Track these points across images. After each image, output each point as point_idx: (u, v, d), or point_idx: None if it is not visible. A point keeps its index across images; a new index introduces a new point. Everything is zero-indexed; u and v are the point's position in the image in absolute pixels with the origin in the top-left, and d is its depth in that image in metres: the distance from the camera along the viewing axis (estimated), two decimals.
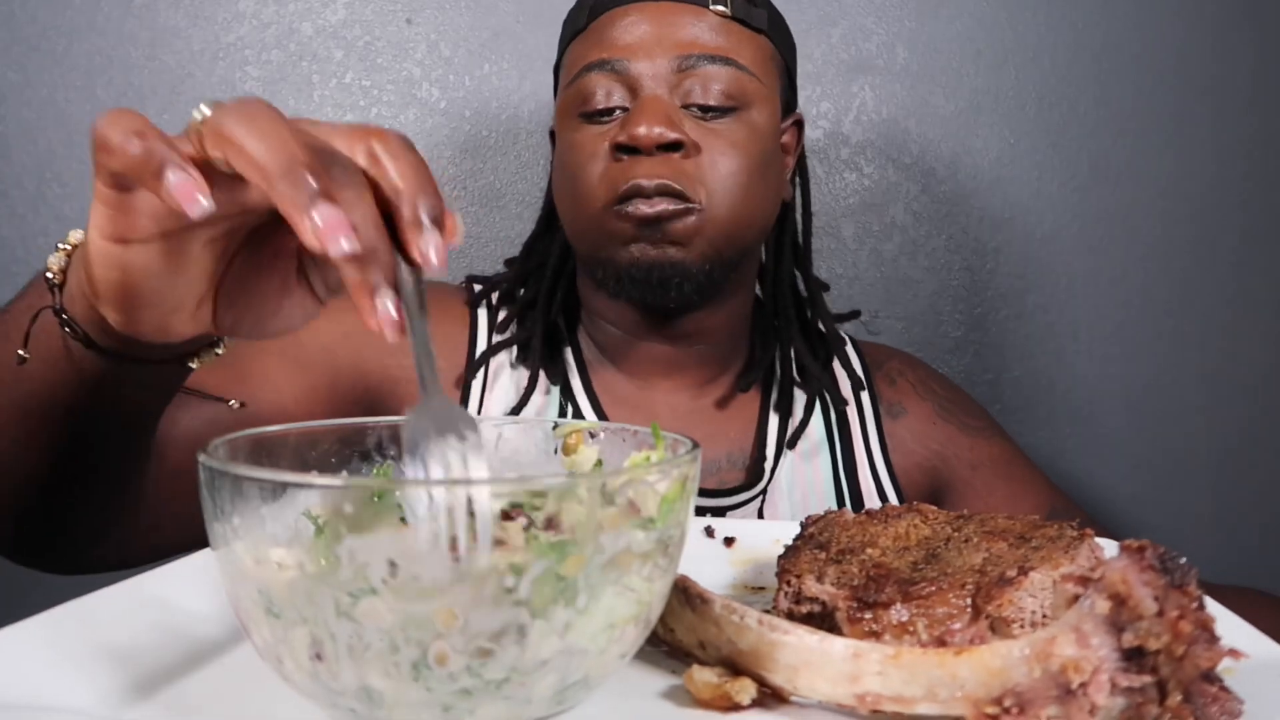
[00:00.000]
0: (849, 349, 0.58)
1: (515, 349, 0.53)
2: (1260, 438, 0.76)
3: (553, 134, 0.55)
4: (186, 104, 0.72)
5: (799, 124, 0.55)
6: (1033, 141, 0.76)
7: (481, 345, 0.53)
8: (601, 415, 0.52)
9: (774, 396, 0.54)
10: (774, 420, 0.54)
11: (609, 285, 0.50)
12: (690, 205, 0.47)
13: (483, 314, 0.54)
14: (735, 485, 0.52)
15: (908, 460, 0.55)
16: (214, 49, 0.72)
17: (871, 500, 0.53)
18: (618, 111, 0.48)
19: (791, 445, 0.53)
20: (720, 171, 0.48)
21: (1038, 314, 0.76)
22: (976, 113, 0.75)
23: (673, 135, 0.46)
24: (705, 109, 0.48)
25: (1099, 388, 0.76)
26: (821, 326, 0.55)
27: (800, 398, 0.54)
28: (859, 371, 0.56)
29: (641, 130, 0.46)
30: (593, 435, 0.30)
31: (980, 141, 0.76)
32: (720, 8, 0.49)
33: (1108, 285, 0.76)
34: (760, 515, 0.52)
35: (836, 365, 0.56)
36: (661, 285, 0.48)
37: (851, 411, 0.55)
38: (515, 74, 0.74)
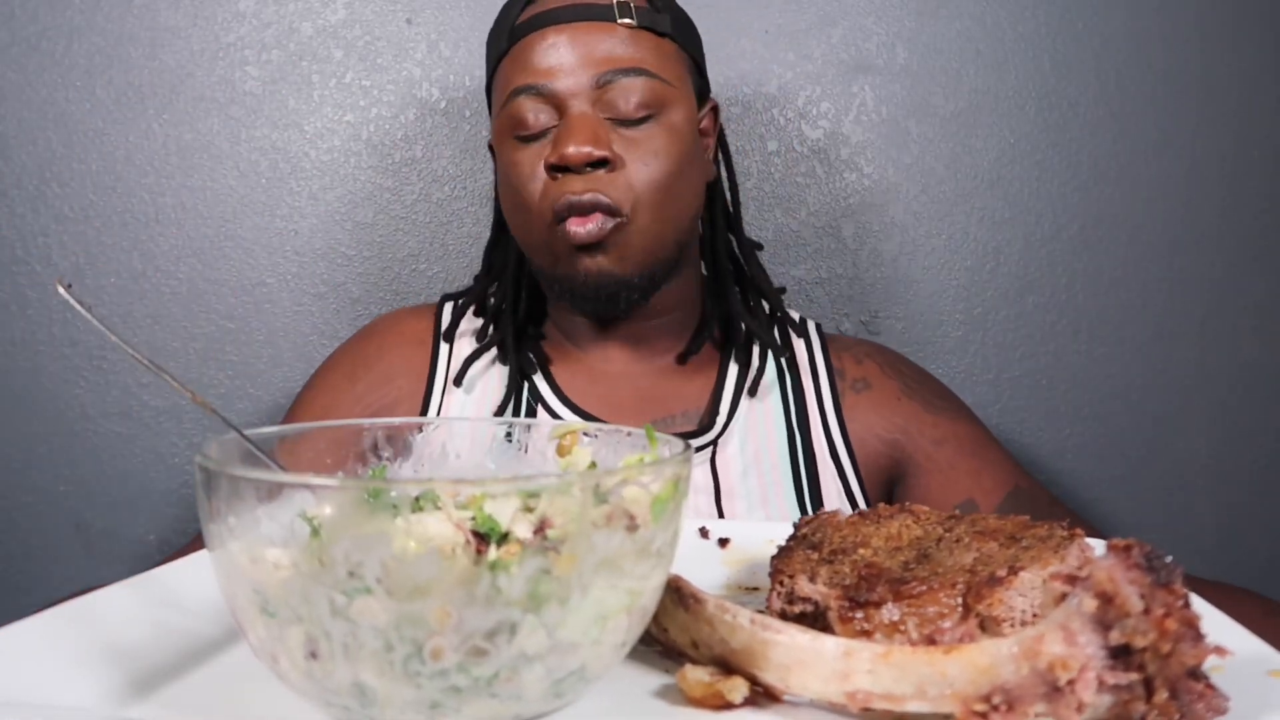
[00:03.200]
0: (810, 328, 0.60)
1: (494, 351, 0.57)
2: (1259, 438, 0.76)
3: (492, 148, 0.58)
4: (186, 104, 0.72)
5: (715, 108, 0.58)
6: (1033, 141, 0.76)
7: (442, 362, 0.58)
8: (562, 396, 0.56)
9: (733, 350, 0.58)
10: (733, 370, 0.57)
11: (564, 297, 0.54)
12: (620, 219, 0.51)
13: (444, 347, 0.59)
14: (688, 432, 0.54)
15: (869, 432, 0.57)
16: (214, 48, 0.72)
17: (824, 462, 0.55)
18: (548, 131, 0.52)
19: (752, 392, 0.56)
20: (643, 180, 0.51)
21: (1037, 314, 0.76)
22: (976, 113, 0.75)
23: (600, 153, 0.50)
24: (625, 120, 0.51)
25: (1099, 388, 0.76)
26: (760, 288, 0.59)
27: (756, 352, 0.58)
28: (814, 352, 0.59)
29: (570, 150, 0.50)
30: (587, 436, 0.30)
31: (980, 141, 0.76)
32: (627, 20, 0.52)
33: (1108, 285, 0.76)
34: (713, 464, 0.54)
35: (793, 337, 0.59)
36: (609, 300, 0.53)
37: (802, 358, 0.58)
38: None
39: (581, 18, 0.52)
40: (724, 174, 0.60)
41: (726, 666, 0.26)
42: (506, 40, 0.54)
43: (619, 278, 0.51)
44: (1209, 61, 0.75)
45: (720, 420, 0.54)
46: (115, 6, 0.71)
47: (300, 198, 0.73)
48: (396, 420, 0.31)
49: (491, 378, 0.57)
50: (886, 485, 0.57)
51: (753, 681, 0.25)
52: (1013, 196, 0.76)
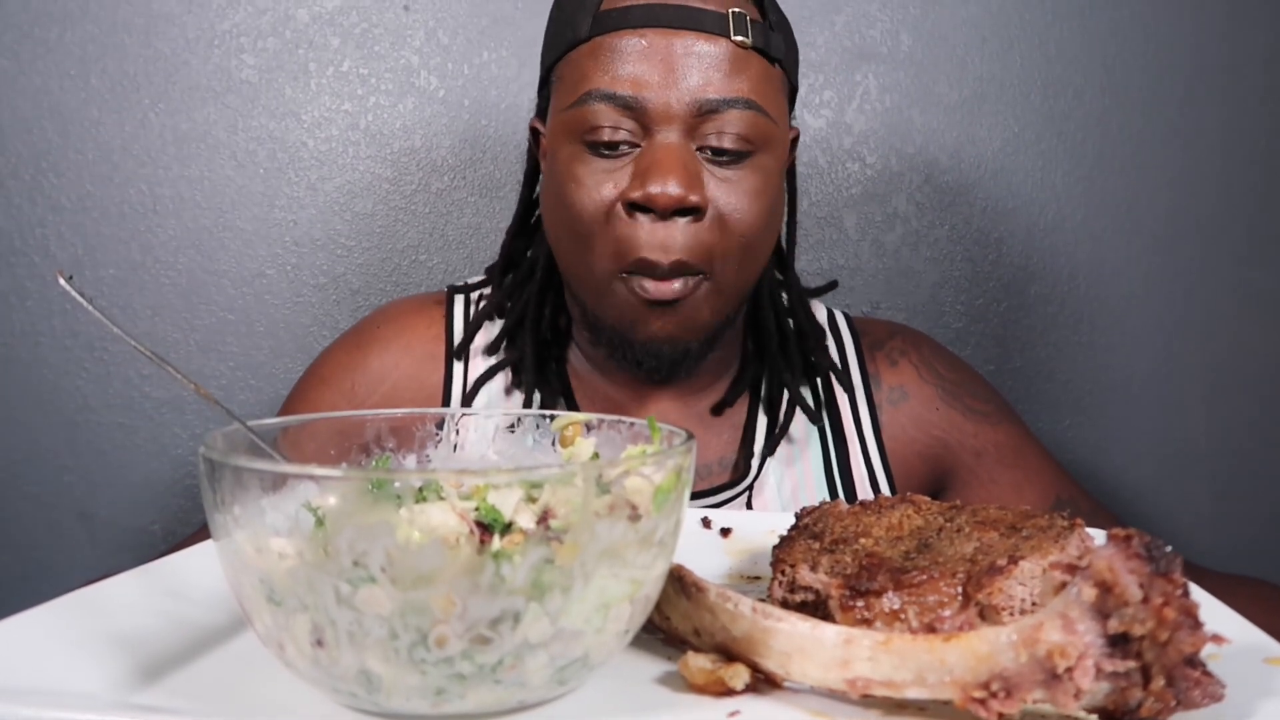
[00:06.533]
0: (842, 326, 0.56)
1: (509, 370, 0.51)
2: (1260, 429, 0.76)
3: (535, 131, 0.52)
4: (181, 93, 0.72)
5: (795, 138, 0.53)
6: (1037, 131, 0.75)
7: (458, 381, 0.51)
8: None
9: (762, 400, 0.53)
10: (763, 421, 0.53)
11: (607, 346, 0.48)
12: (701, 276, 0.45)
13: (459, 322, 0.52)
14: (722, 484, 0.51)
15: (908, 449, 0.54)
16: (209, 36, 0.71)
17: (864, 489, 0.53)
18: (624, 146, 0.45)
19: (771, 451, 0.52)
20: (730, 233, 0.45)
21: (1039, 305, 0.76)
22: (981, 101, 0.75)
23: (693, 199, 0.44)
24: (719, 152, 0.45)
25: (1100, 379, 0.76)
26: (802, 335, 0.54)
27: (785, 400, 0.54)
28: (854, 379, 0.54)
29: (658, 190, 0.43)
30: (589, 428, 0.30)
31: (984, 131, 0.75)
32: (741, 38, 0.44)
33: (1110, 276, 0.76)
34: (749, 509, 0.52)
35: (829, 373, 0.54)
36: (672, 361, 0.48)
37: (843, 402, 0.54)
38: (515, 62, 0.74)
39: (689, 25, 0.44)
40: (785, 207, 0.52)
41: (728, 654, 0.26)
42: (590, 26, 0.45)
43: (684, 342, 0.46)
44: (1215, 51, 0.74)
45: (755, 465, 0.51)
46: None
47: (299, 188, 0.73)
48: (400, 411, 0.31)
49: (509, 403, 0.51)
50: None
51: (754, 669, 0.25)
52: (1016, 186, 0.75)
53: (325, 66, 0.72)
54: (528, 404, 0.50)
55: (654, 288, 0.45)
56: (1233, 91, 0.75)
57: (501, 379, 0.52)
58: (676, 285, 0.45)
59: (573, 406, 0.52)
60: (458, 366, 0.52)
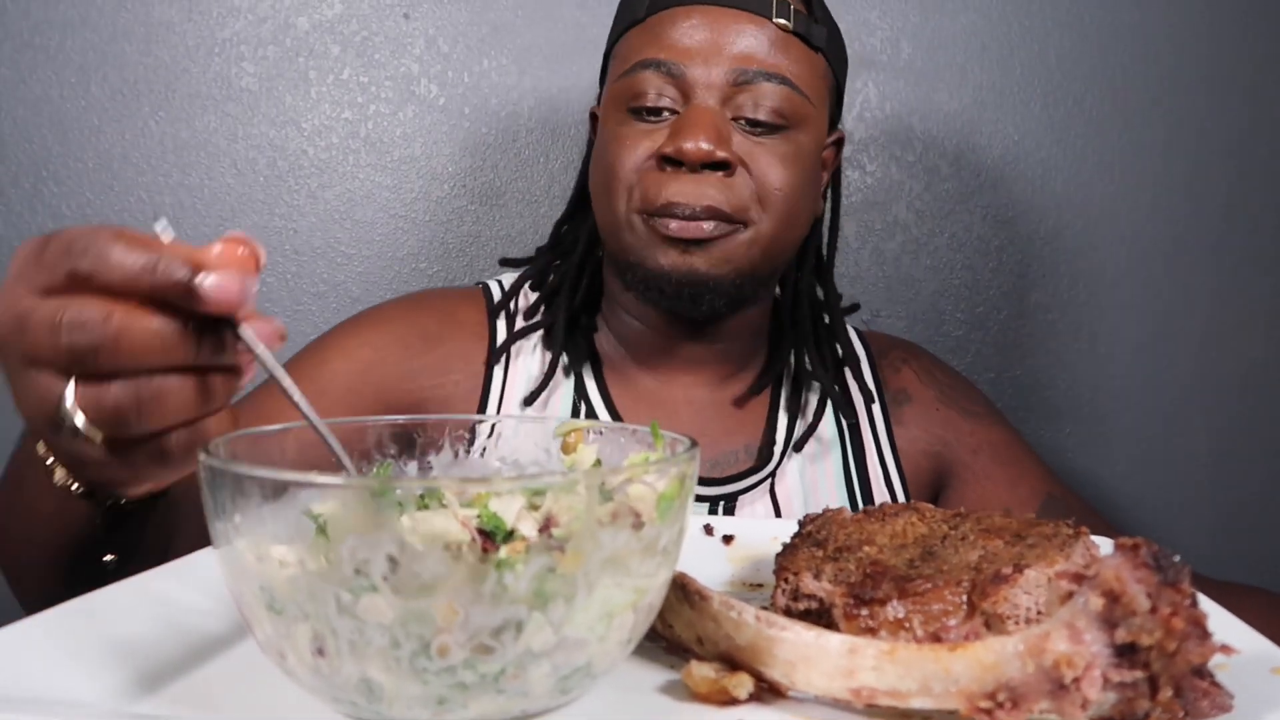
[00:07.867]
0: (855, 342, 0.59)
1: (542, 333, 0.54)
2: (1259, 436, 0.76)
3: (593, 116, 0.55)
4: (181, 101, 0.72)
5: (839, 141, 0.55)
6: (1037, 139, 0.75)
7: (497, 379, 0.53)
8: (614, 412, 0.53)
9: (784, 394, 0.55)
10: (783, 419, 0.55)
11: (636, 288, 0.50)
12: (738, 224, 0.48)
13: (500, 322, 0.55)
14: (747, 469, 0.53)
15: (913, 447, 0.56)
16: (209, 44, 0.71)
17: (880, 493, 0.54)
18: (666, 113, 0.48)
19: (799, 448, 0.54)
20: (771, 187, 0.48)
21: (1039, 313, 0.76)
22: (981, 109, 0.75)
23: (721, 154, 0.46)
24: (754, 124, 0.48)
25: (1100, 386, 0.76)
26: (838, 341, 0.56)
27: (812, 401, 0.55)
28: (870, 385, 0.57)
29: (689, 145, 0.46)
30: (592, 435, 0.30)
31: (984, 139, 0.75)
32: (782, 21, 0.48)
33: (1110, 284, 0.76)
34: (772, 494, 0.53)
35: (849, 376, 0.56)
36: (692, 298, 0.49)
37: (863, 418, 0.56)
38: (514, 70, 0.74)
39: (737, 4, 0.48)
40: (828, 213, 0.55)
41: (732, 663, 0.26)
42: (645, 9, 0.50)
43: (711, 278, 0.47)
44: (1215, 59, 0.75)
45: (776, 453, 0.53)
46: (109, 1, 0.70)
47: (299, 196, 0.73)
48: (400, 418, 0.31)
49: (534, 365, 0.53)
50: (931, 500, 0.56)
51: (758, 678, 0.25)
52: (1016, 194, 0.76)
53: (325, 74, 0.73)
54: (551, 368, 0.52)
55: (678, 226, 0.47)
56: (1233, 98, 0.75)
57: (535, 339, 0.54)
58: (707, 226, 0.47)
59: (600, 379, 0.53)
60: (501, 329, 0.53)
